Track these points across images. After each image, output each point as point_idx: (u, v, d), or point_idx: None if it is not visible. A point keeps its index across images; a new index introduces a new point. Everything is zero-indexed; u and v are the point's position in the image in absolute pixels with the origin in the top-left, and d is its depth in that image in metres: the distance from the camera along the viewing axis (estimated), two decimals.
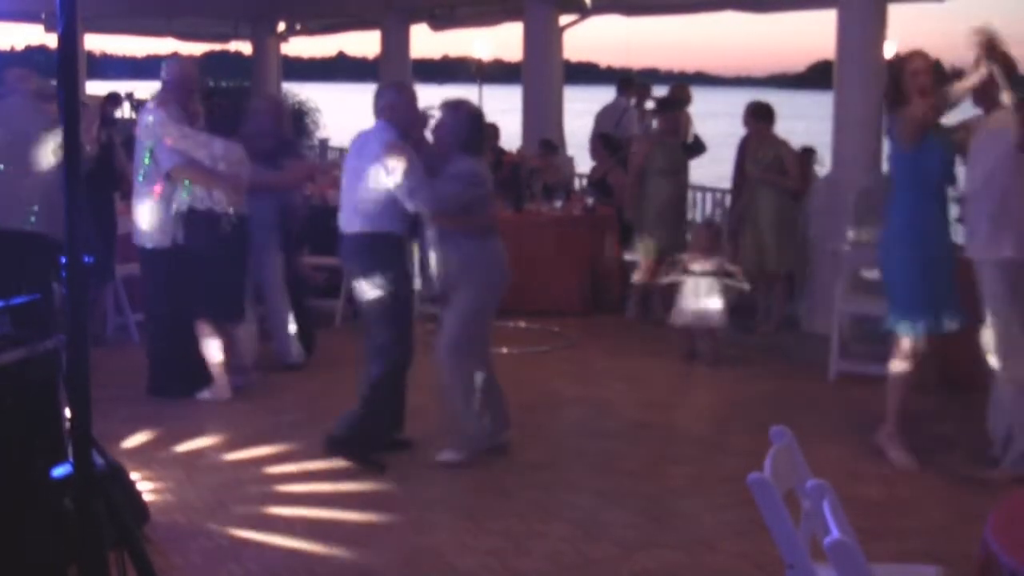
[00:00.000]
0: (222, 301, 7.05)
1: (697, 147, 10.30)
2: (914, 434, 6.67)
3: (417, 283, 6.95)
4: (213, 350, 7.07)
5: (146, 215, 7.03)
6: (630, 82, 12.64)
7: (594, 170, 11.12)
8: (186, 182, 6.87)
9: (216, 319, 7.06)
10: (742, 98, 9.42)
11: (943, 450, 6.34)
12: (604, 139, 11.12)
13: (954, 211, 6.91)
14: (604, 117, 12.36)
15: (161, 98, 7.09)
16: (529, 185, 10.64)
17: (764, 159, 9.08)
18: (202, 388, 7.12)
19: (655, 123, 10.22)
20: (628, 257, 9.78)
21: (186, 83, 7.13)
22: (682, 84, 12.15)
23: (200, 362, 7.10)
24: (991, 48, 5.63)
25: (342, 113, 19.40)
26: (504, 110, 16.84)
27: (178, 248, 6.96)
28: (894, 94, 5.99)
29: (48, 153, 6.77)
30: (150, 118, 6.96)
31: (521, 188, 10.32)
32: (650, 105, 11.98)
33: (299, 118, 18.23)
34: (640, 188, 9.42)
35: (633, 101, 12.22)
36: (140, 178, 7.04)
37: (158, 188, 6.96)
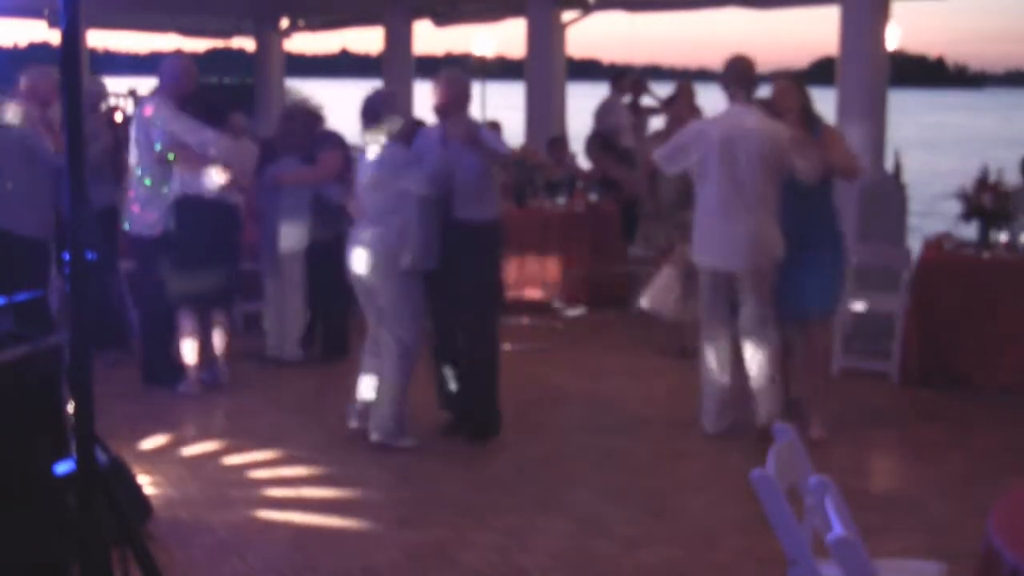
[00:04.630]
0: (206, 288, 7.09)
1: None
2: (916, 431, 6.69)
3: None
4: (187, 343, 7.13)
5: (141, 204, 7.14)
6: (622, 76, 12.60)
7: (593, 171, 11.11)
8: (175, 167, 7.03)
9: (198, 306, 7.11)
10: None
11: (944, 447, 6.35)
12: (600, 139, 11.10)
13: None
14: (603, 114, 12.33)
15: (158, 93, 7.30)
16: (532, 181, 10.62)
17: None
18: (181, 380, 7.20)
19: (664, 121, 10.18)
20: (633, 253, 9.77)
21: (180, 81, 7.22)
22: (686, 81, 12.12)
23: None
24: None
25: (345, 110, 19.33)
26: (507, 107, 16.83)
27: (168, 235, 7.04)
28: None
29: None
30: (147, 108, 7.15)
31: (524, 184, 10.31)
32: (647, 102, 11.93)
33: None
34: (651, 185, 9.39)
35: (628, 97, 12.18)
36: (139, 171, 7.11)
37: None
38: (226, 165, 6.98)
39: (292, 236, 7.79)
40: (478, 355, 6.32)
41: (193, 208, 6.97)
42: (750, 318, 6.24)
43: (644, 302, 8.22)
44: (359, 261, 6.13)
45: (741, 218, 6.13)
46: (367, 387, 6.29)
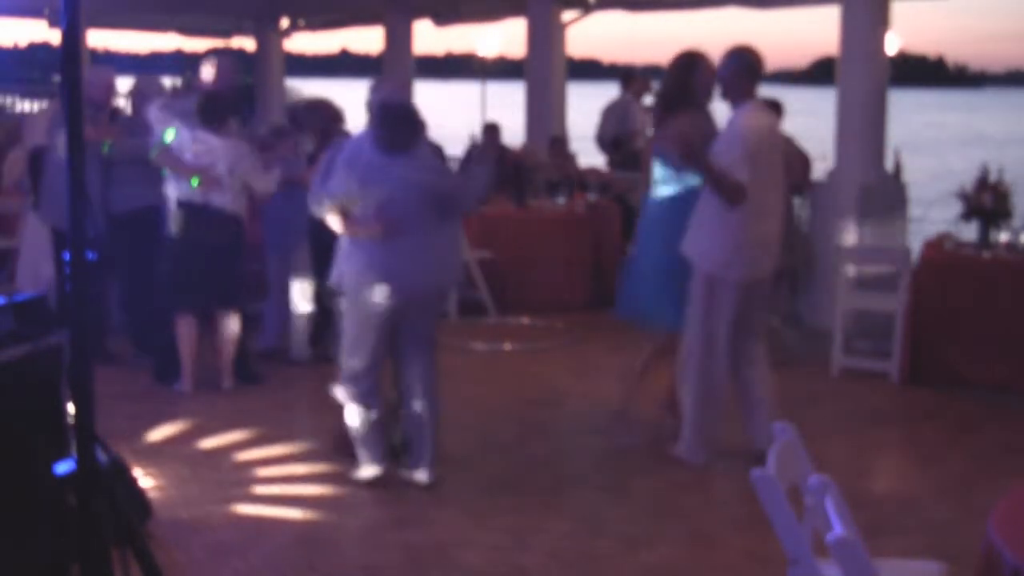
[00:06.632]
0: (207, 290, 7.09)
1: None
2: (916, 431, 6.69)
3: None
4: (183, 343, 7.14)
5: None
6: (632, 77, 12.60)
7: (595, 173, 11.13)
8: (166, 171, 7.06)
9: (199, 308, 7.13)
10: None
11: (944, 447, 6.35)
12: (614, 142, 11.13)
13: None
14: (610, 114, 12.33)
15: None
16: (532, 181, 10.63)
17: None
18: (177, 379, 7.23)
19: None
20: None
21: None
22: None
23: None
24: None
25: (345, 109, 19.31)
26: (507, 106, 16.83)
27: (166, 237, 7.09)
28: (678, 95, 5.98)
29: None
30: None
31: (523, 184, 10.32)
32: (649, 101, 11.93)
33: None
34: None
35: (628, 97, 12.19)
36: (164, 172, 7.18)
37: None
38: (204, 169, 6.97)
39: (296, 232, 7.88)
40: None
41: (190, 212, 6.97)
42: (761, 328, 6.03)
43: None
44: (413, 280, 5.47)
45: (776, 220, 5.90)
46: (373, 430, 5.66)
